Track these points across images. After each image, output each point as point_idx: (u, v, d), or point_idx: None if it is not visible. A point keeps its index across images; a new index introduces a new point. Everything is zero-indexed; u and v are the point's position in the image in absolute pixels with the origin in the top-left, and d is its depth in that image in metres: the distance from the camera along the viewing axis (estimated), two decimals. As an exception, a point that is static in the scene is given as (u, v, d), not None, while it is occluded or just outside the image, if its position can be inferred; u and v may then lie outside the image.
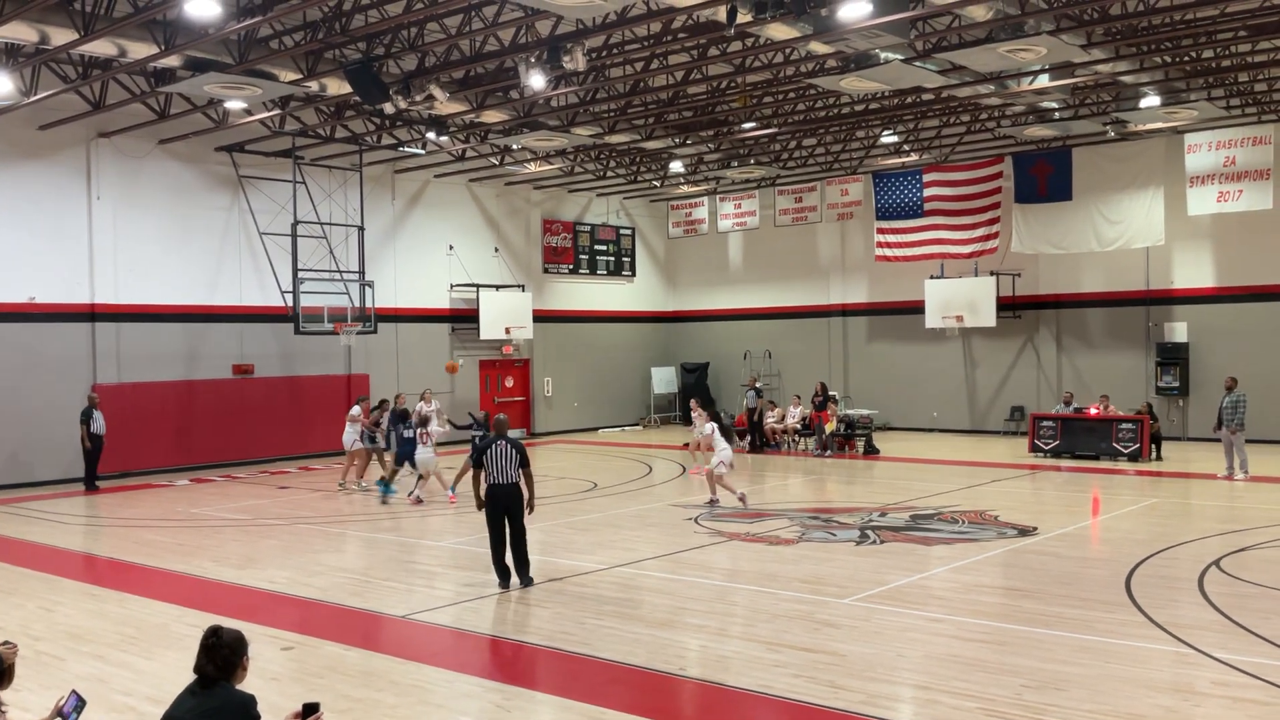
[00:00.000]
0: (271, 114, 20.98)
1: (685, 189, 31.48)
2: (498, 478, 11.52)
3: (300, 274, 24.46)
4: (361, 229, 26.20)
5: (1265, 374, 24.03)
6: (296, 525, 16.40)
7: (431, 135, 22.42)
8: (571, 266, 32.99)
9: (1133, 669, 8.43)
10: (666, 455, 25.65)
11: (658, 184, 30.73)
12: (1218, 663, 8.52)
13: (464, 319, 29.45)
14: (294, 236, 24.57)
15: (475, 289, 29.50)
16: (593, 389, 32.60)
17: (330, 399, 26.48)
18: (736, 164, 27.59)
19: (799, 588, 11.40)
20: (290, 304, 24.47)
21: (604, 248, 33.95)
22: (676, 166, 27.69)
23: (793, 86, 20.43)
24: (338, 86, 18.02)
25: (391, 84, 17.81)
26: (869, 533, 14.57)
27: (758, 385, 27.97)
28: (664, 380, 34.70)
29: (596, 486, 19.84)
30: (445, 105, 19.18)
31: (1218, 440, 20.06)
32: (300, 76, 17.47)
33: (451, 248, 29.58)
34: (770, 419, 27.32)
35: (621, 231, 34.46)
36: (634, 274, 34.88)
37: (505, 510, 11.58)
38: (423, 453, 18.58)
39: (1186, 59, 19.25)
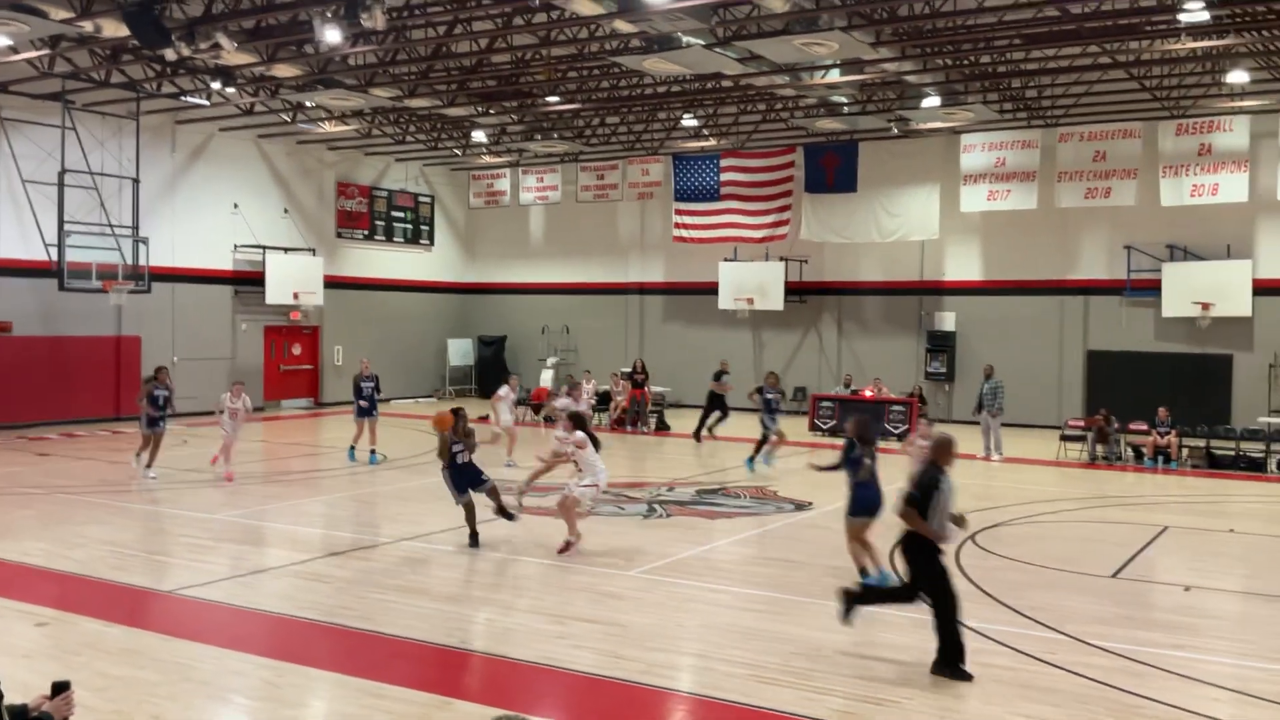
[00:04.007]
0: (40, 54, 19.39)
1: (487, 159, 31.10)
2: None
3: (67, 227, 22.86)
4: (137, 181, 24.67)
5: (1022, 363, 25.87)
6: (56, 495, 15.36)
7: (217, 86, 21.27)
8: (367, 232, 32.08)
9: (893, 636, 8.95)
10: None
11: (459, 153, 30.25)
12: (969, 630, 9.14)
13: (249, 282, 28.19)
14: (61, 186, 22.92)
15: (262, 251, 28.28)
16: (386, 359, 31.79)
17: (98, 361, 24.90)
18: (540, 137, 27.47)
19: (586, 560, 11.53)
20: (55, 258, 22.83)
21: (402, 214, 33.18)
22: (479, 136, 27.33)
23: (597, 63, 20.51)
24: (114, 28, 16.84)
25: (174, 29, 16.77)
26: (656, 507, 14.88)
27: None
28: (460, 352, 34.30)
29: (386, 459, 19.44)
30: (233, 55, 18.26)
31: (978, 423, 21.48)
32: (73, 15, 16.24)
33: (236, 206, 28.24)
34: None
35: (420, 199, 33.76)
36: (432, 243, 34.25)
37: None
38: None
39: (966, 63, 20.42)
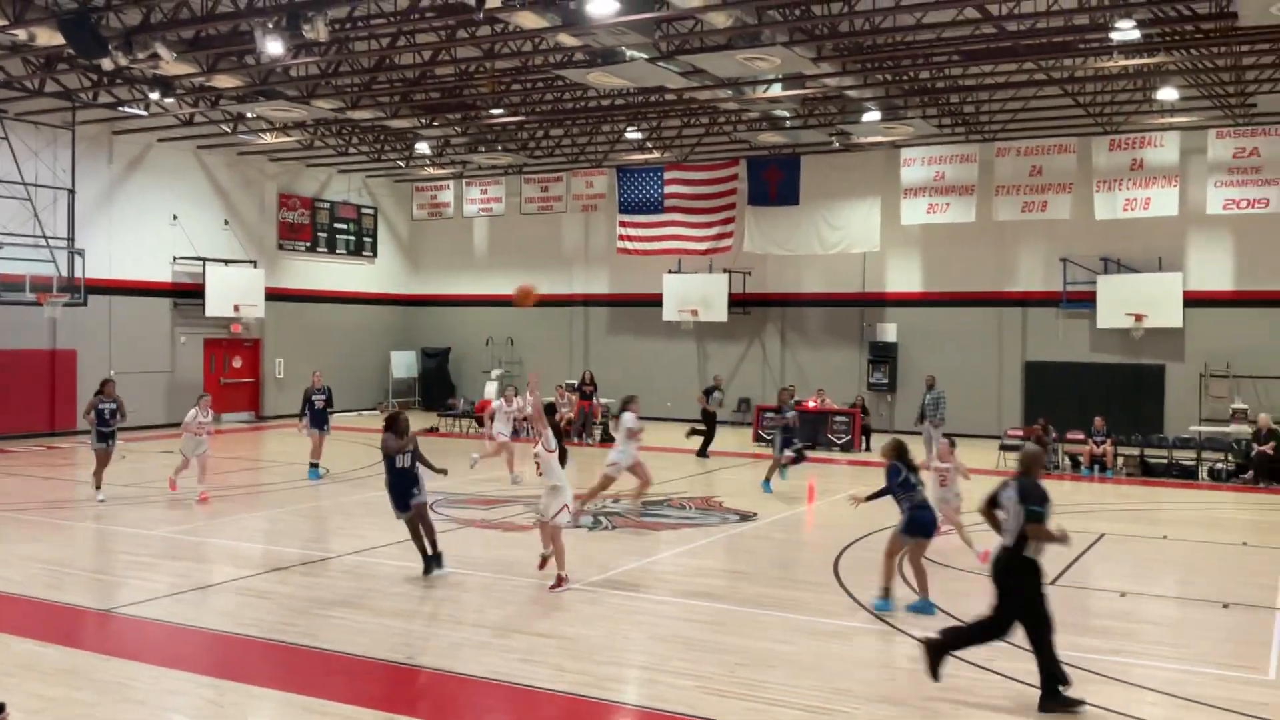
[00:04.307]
0: (-31, 60, 19.03)
1: (431, 171, 30.99)
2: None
3: (-1, 238, 22.36)
4: (72, 192, 24.23)
5: (962, 373, 26.26)
6: (-13, 513, 15.00)
7: (155, 96, 20.96)
8: (309, 244, 31.76)
9: (838, 646, 9.06)
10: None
11: (403, 164, 30.09)
12: (911, 638, 9.27)
13: (189, 294, 27.77)
14: (-8, 196, 22.41)
15: (202, 263, 27.88)
16: (329, 372, 31.42)
17: (31, 376, 24.38)
18: (484, 149, 27.42)
19: (532, 574, 11.49)
20: (-14, 270, 22.33)
21: (344, 226, 32.90)
22: (422, 148, 27.19)
23: (541, 76, 20.53)
24: (49, 36, 16.53)
25: (111, 38, 16.51)
26: (602, 519, 14.89)
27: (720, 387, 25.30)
28: (404, 365, 34.06)
29: (329, 472, 19.23)
30: (172, 65, 18.00)
31: (920, 433, 21.76)
32: (6, 23, 15.94)
33: (176, 218, 27.82)
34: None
35: (363, 210, 33.50)
36: (375, 255, 34.00)
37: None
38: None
39: (905, 78, 20.75)
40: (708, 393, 24.02)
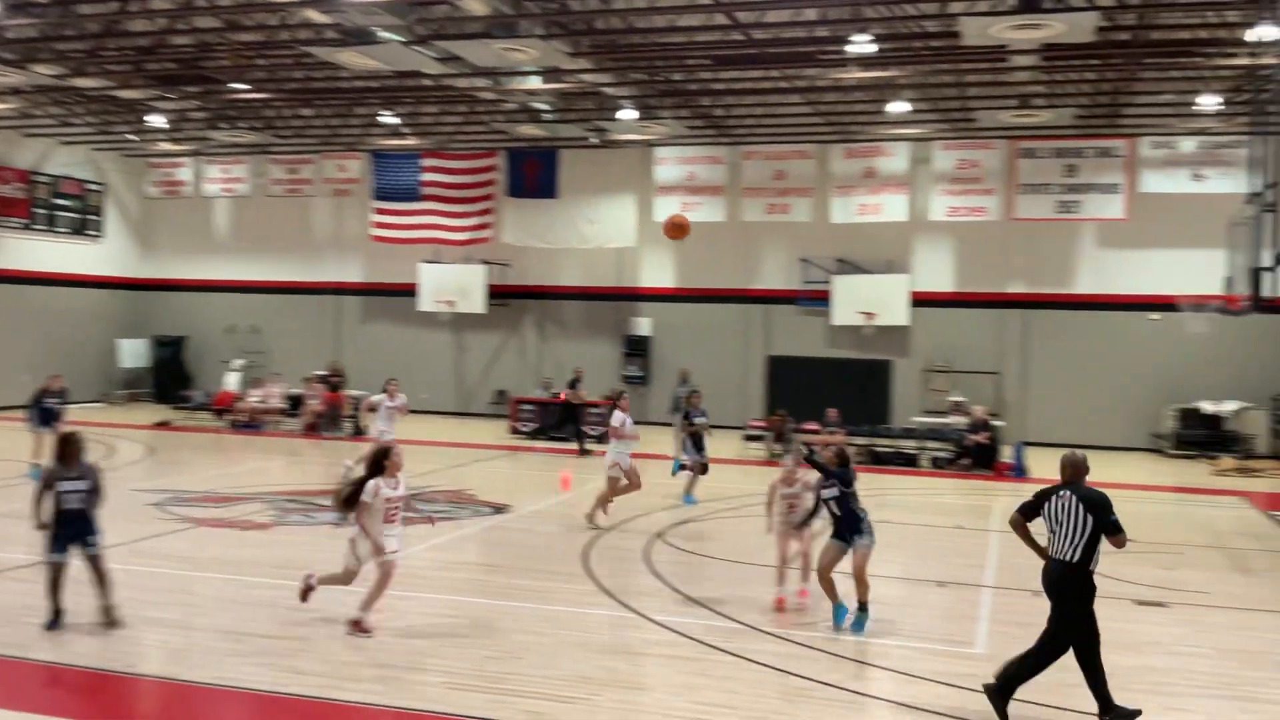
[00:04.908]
0: None
1: (166, 147, 29.06)
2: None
3: None
4: None
5: (710, 367, 27.12)
6: None
7: None
8: (25, 221, 29.09)
9: (584, 634, 9.16)
10: (132, 436, 23.61)
11: (134, 138, 28.08)
12: (655, 624, 9.50)
13: (-121, 272, 24.91)
14: None
15: (-105, 238, 25.11)
16: (46, 361, 29.06)
17: None
18: (225, 126, 25.98)
19: (270, 574, 11.02)
20: None
21: (66, 203, 30.36)
22: (156, 121, 25.45)
23: (289, 53, 19.65)
24: None
25: None
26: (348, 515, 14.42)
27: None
28: (134, 354, 31.81)
29: (41, 469, 17.70)
30: None
31: (671, 424, 22.32)
32: None
33: None
34: (253, 398, 26.13)
35: (89, 186, 31.03)
36: (102, 234, 31.58)
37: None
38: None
39: (659, 79, 21.20)
40: (572, 385, 23.79)
